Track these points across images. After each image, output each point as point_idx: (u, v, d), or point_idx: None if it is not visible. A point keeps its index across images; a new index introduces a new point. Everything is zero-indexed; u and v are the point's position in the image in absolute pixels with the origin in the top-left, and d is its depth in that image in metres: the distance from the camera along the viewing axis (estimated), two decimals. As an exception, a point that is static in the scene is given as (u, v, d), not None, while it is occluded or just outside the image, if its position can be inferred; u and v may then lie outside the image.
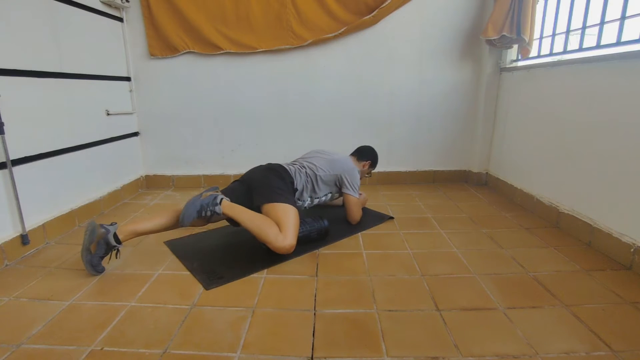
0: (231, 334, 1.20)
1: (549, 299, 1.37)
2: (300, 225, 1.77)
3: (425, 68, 2.82)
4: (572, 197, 1.99)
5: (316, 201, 2.03)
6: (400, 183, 3.04)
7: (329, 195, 2.07)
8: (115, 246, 1.57)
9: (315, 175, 1.97)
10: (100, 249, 1.54)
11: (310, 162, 2.03)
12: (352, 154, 2.29)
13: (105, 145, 2.49)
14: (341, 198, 2.12)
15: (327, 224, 1.89)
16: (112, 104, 2.57)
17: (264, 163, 2.02)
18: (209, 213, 1.63)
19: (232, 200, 1.81)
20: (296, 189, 1.91)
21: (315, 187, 1.98)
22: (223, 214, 1.66)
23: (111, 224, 1.60)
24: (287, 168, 1.94)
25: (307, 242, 1.82)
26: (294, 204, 1.76)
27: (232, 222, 1.77)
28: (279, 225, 1.63)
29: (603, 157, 1.76)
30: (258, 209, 1.76)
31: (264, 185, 1.81)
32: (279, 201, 1.72)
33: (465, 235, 1.97)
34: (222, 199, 1.68)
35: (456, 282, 1.50)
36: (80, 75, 2.25)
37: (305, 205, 2.00)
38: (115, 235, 1.57)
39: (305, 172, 1.97)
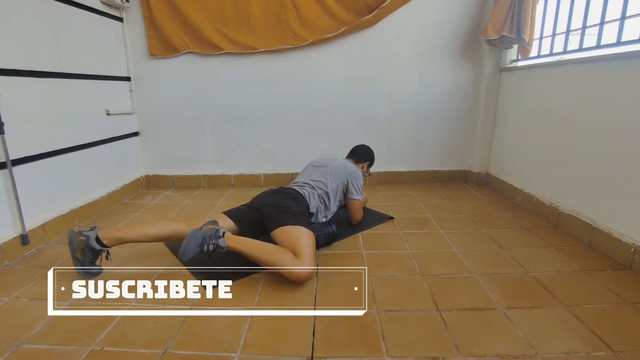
0: (231, 334, 1.20)
1: (549, 299, 1.37)
2: None
3: (425, 68, 2.82)
4: (572, 197, 1.99)
5: (330, 215, 2.00)
6: (401, 183, 3.03)
7: (338, 203, 2.05)
8: (101, 250, 1.54)
9: (326, 192, 1.92)
10: (87, 255, 1.52)
11: (316, 180, 1.96)
12: (349, 157, 2.27)
13: (105, 145, 2.49)
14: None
15: (334, 229, 1.84)
16: (112, 104, 2.57)
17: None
18: (211, 247, 1.46)
19: (240, 223, 1.72)
20: (312, 214, 1.84)
21: (327, 203, 1.94)
22: (228, 247, 1.49)
23: (91, 229, 1.55)
24: (301, 192, 1.84)
25: (316, 248, 1.79)
26: (309, 227, 1.65)
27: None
28: (294, 250, 1.48)
29: (603, 157, 1.76)
30: (269, 237, 1.64)
31: (276, 209, 1.69)
32: (293, 224, 1.60)
33: (465, 235, 1.97)
34: (224, 231, 1.52)
35: (456, 282, 1.50)
36: (80, 75, 2.25)
37: (320, 222, 1.93)
38: (98, 239, 1.53)
39: (318, 193, 1.91)
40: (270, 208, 1.71)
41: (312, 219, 1.85)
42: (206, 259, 1.52)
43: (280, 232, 1.58)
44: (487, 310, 1.31)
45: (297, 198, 1.79)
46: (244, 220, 1.73)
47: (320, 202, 1.91)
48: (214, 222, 1.61)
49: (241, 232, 1.71)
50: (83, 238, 1.52)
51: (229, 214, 1.76)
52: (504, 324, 1.23)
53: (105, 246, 1.55)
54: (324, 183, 1.94)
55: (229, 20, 2.70)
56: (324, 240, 1.82)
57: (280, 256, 1.45)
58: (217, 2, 2.66)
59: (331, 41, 2.76)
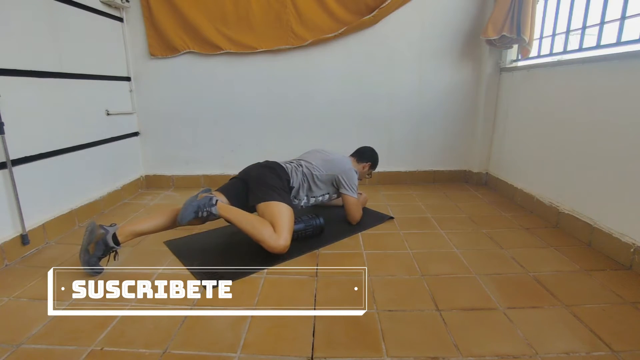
0: (231, 334, 1.20)
1: (549, 299, 1.37)
2: (295, 223, 1.79)
3: (425, 68, 2.82)
4: (572, 197, 1.99)
5: (313, 200, 2.03)
6: (400, 183, 3.03)
7: (327, 195, 2.07)
8: (113, 247, 1.57)
9: (312, 174, 1.98)
10: (98, 249, 1.54)
11: (307, 161, 2.03)
12: (352, 155, 2.29)
13: (105, 145, 2.49)
14: (341, 198, 2.11)
15: (322, 222, 1.91)
16: (112, 104, 2.57)
17: (262, 161, 2.03)
18: (205, 214, 1.65)
19: (230, 197, 1.83)
20: (292, 187, 1.92)
21: (312, 185, 1.98)
22: (219, 215, 1.67)
23: (111, 225, 1.61)
24: (284, 166, 1.94)
25: (303, 238, 1.84)
26: (289, 202, 1.77)
27: None
28: (273, 224, 1.65)
29: (603, 157, 1.76)
30: (253, 208, 1.77)
31: (259, 183, 1.82)
32: (274, 200, 1.73)
33: (465, 235, 1.97)
34: (217, 200, 1.70)
35: (456, 282, 1.50)
36: (80, 75, 2.25)
37: (302, 204, 2.00)
38: (114, 237, 1.57)
39: (302, 170, 1.97)
40: (255, 182, 1.84)
41: (294, 194, 1.93)
42: (207, 259, 1.54)
43: (263, 207, 1.72)
44: (487, 310, 1.31)
45: (279, 173, 1.88)
46: (235, 195, 1.85)
47: (304, 179, 1.96)
48: (208, 191, 1.79)
49: (232, 205, 1.80)
50: (102, 231, 1.56)
51: (222, 190, 1.89)
52: (504, 324, 1.23)
53: (118, 244, 1.58)
54: (313, 166, 2.00)
55: (229, 20, 2.70)
56: (311, 232, 1.88)
57: (261, 229, 1.62)
58: (217, 2, 2.66)
59: (331, 41, 2.76)
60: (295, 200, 1.96)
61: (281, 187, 1.83)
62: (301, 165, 2.00)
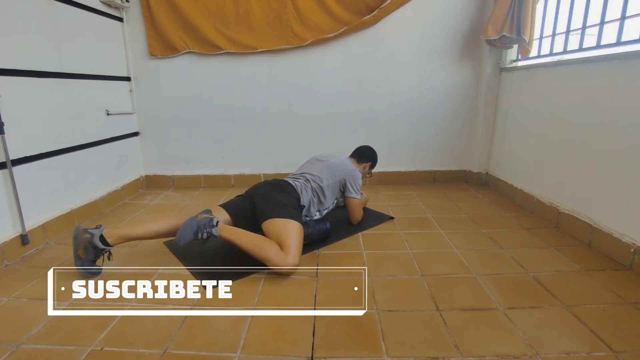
0: (231, 334, 1.20)
1: (549, 299, 1.37)
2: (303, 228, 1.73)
3: (425, 68, 2.82)
4: (572, 197, 1.99)
5: (325, 212, 2.00)
6: (401, 183, 3.03)
7: (335, 202, 2.05)
8: (104, 249, 1.54)
9: (321, 187, 1.93)
10: (89, 253, 1.52)
11: (311, 174, 1.97)
12: (352, 156, 2.28)
13: (105, 145, 2.49)
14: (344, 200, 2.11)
15: (328, 226, 1.87)
16: (112, 104, 2.57)
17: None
18: (205, 235, 1.55)
19: (234, 215, 1.76)
20: (303, 206, 1.85)
21: (322, 198, 1.94)
22: (220, 236, 1.58)
23: (96, 227, 1.56)
24: (293, 184, 1.86)
25: (310, 244, 1.82)
26: (299, 220, 1.68)
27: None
28: (280, 243, 1.54)
29: (603, 157, 1.76)
30: (261, 228, 1.69)
31: (266, 200, 1.74)
32: (282, 216, 1.64)
33: (465, 236, 1.97)
34: (217, 221, 1.60)
35: (456, 282, 1.50)
36: (80, 75, 2.25)
37: (315, 219, 1.94)
38: (102, 238, 1.54)
39: (311, 186, 1.91)
40: (261, 199, 1.76)
41: (305, 212, 1.87)
42: (207, 259, 1.52)
43: (269, 224, 1.63)
44: (487, 310, 1.31)
45: (288, 190, 1.81)
46: (239, 213, 1.78)
47: (314, 195, 1.91)
48: (208, 211, 1.68)
49: (235, 224, 1.74)
50: (88, 236, 1.53)
51: (225, 206, 1.81)
52: (504, 324, 1.23)
53: (108, 245, 1.55)
54: (320, 178, 1.95)
55: (229, 20, 2.70)
56: (317, 237, 1.84)
57: (266, 247, 1.52)
58: (217, 2, 2.66)
59: (331, 41, 2.76)
60: (307, 217, 1.91)
61: (290, 204, 1.73)
62: (308, 181, 1.93)
